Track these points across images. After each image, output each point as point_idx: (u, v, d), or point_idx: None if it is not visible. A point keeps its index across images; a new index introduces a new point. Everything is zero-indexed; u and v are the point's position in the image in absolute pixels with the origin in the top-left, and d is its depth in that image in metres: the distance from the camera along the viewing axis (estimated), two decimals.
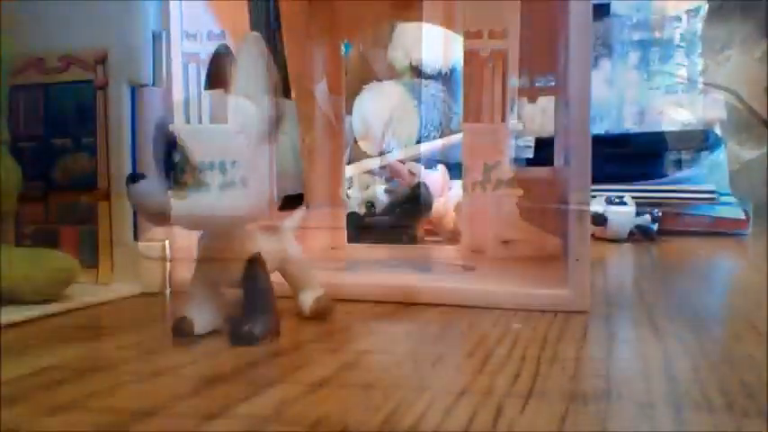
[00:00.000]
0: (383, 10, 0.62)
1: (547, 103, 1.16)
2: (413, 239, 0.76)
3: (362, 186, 0.94)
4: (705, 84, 1.19)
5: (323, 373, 0.25)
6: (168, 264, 0.45)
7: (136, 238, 0.45)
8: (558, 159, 0.53)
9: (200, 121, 0.29)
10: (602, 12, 1.22)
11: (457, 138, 1.14)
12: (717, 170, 0.98)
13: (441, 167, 0.94)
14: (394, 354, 0.29)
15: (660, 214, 0.88)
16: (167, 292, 0.45)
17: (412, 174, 0.89)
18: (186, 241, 0.37)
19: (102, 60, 0.46)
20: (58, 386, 0.24)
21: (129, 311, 0.40)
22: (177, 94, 0.46)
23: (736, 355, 0.28)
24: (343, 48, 0.66)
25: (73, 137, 0.47)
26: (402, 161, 0.97)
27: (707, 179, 0.96)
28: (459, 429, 0.19)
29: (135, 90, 0.46)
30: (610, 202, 0.86)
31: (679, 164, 1.17)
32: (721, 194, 0.96)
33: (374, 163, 1.16)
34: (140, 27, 0.45)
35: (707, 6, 1.19)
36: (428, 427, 0.19)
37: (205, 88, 0.31)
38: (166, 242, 0.45)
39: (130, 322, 0.37)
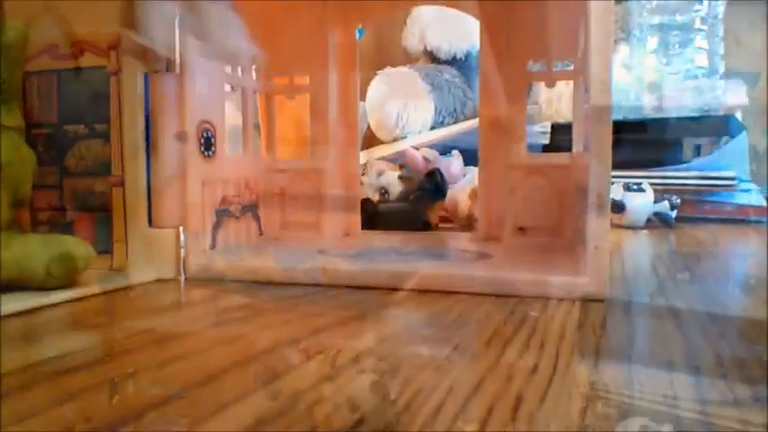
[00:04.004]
0: None
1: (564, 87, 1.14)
2: (427, 226, 0.75)
3: (376, 173, 0.93)
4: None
5: (338, 361, 0.25)
6: (183, 250, 0.45)
7: (150, 224, 0.45)
8: (577, 145, 0.52)
9: None
10: None
11: (472, 123, 1.13)
12: (738, 156, 0.96)
13: (456, 154, 0.93)
14: (409, 343, 0.28)
15: (679, 201, 0.87)
16: (182, 278, 0.45)
17: (426, 160, 0.88)
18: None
19: (116, 46, 0.46)
20: (73, 373, 0.24)
21: (143, 298, 0.40)
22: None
23: (761, 345, 0.27)
24: (356, 33, 0.65)
25: (87, 123, 0.47)
26: (416, 147, 0.96)
27: (727, 165, 0.94)
28: (478, 421, 0.19)
29: (148, 76, 0.45)
30: (628, 188, 0.85)
31: (698, 150, 1.15)
32: (742, 181, 0.94)
33: (388, 149, 1.16)
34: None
35: None
36: (446, 419, 0.19)
37: None
38: (180, 229, 0.45)
39: (144, 308, 0.37)
